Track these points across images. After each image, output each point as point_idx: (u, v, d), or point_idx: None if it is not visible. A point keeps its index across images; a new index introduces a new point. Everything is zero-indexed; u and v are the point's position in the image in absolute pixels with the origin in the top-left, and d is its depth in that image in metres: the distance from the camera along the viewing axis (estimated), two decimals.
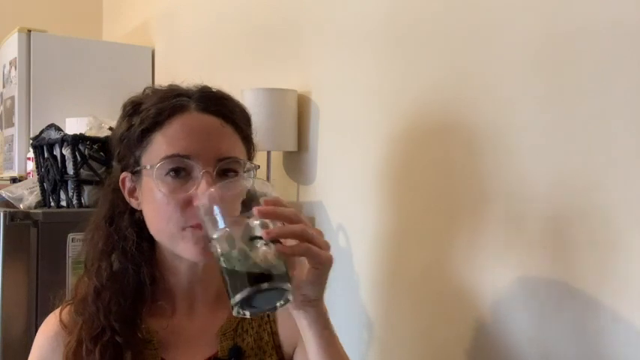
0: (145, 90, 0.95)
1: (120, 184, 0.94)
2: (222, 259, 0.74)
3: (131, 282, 0.93)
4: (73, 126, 2.07)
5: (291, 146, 1.83)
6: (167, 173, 0.87)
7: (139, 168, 0.90)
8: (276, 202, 0.77)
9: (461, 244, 1.34)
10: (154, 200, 0.89)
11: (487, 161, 1.28)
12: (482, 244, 1.29)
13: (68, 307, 0.96)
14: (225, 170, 0.89)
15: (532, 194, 1.19)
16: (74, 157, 1.60)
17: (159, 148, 0.89)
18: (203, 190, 0.84)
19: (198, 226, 0.86)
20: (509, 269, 1.23)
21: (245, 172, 0.92)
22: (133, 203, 0.94)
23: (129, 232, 0.94)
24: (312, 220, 1.81)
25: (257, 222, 0.75)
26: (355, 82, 1.65)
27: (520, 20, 1.22)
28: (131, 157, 0.92)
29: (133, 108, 0.93)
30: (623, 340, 1.05)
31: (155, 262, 0.95)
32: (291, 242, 0.75)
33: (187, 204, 0.86)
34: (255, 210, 0.74)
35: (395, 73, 1.52)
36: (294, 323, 0.97)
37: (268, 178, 1.86)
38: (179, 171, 0.87)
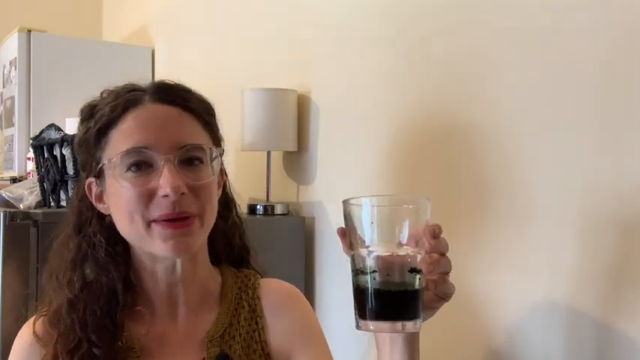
0: (102, 93, 0.93)
1: (86, 190, 0.91)
2: (373, 279, 0.74)
3: (106, 291, 0.90)
4: (73, 126, 2.06)
5: (291, 146, 1.83)
6: (128, 169, 0.85)
7: (100, 166, 0.87)
8: (439, 233, 0.77)
9: (463, 244, 1.34)
10: (118, 199, 0.86)
11: (488, 161, 1.28)
12: (484, 244, 1.29)
13: (42, 318, 0.92)
14: (190, 159, 0.86)
15: (534, 194, 1.19)
16: (74, 157, 1.60)
17: (116, 145, 0.86)
18: (166, 179, 0.82)
19: (164, 221, 0.84)
20: (512, 270, 1.23)
21: (212, 159, 0.89)
22: (102, 208, 0.91)
23: (98, 239, 0.91)
24: (311, 220, 1.81)
25: (412, 252, 0.75)
26: (355, 82, 1.65)
27: (521, 19, 1.22)
28: (92, 161, 0.89)
29: (88, 112, 0.91)
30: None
31: (131, 266, 0.92)
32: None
33: (151, 196, 0.83)
34: (426, 243, 0.75)
35: (395, 73, 1.52)
36: (285, 333, 0.94)
37: (268, 179, 1.86)
38: (140, 165, 0.85)
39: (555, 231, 1.15)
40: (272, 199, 1.86)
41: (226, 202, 1.00)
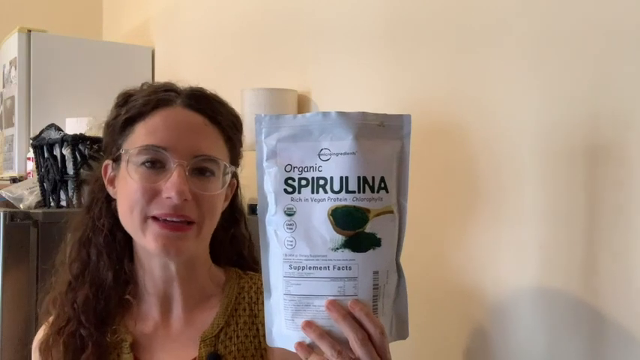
0: (142, 85, 0.95)
1: (102, 171, 0.94)
2: None
3: (102, 275, 0.92)
4: (73, 126, 2.07)
5: None
6: (142, 163, 0.86)
7: (118, 153, 0.89)
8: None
9: (459, 243, 1.34)
10: (125, 188, 0.88)
11: (486, 161, 1.28)
12: (479, 243, 1.29)
13: (49, 298, 0.96)
14: (202, 169, 0.88)
15: (529, 195, 1.19)
16: (74, 157, 1.60)
17: (138, 137, 0.88)
18: (173, 183, 0.83)
19: (161, 221, 0.85)
20: (508, 269, 1.23)
21: (224, 174, 0.90)
22: (111, 191, 0.93)
23: (100, 224, 0.93)
24: None
25: None
26: (355, 82, 1.65)
27: (519, 21, 1.22)
28: (114, 146, 0.92)
29: (123, 99, 0.93)
30: (627, 344, 1.05)
31: (131, 258, 0.94)
32: None
33: (155, 194, 0.85)
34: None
35: (394, 74, 1.52)
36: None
37: None
38: (154, 162, 0.86)
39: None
40: None
41: (233, 215, 1.01)
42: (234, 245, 1.02)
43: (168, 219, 0.85)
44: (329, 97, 1.77)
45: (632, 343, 1.03)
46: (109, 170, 0.93)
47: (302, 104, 1.85)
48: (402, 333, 0.80)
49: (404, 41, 1.50)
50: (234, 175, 0.97)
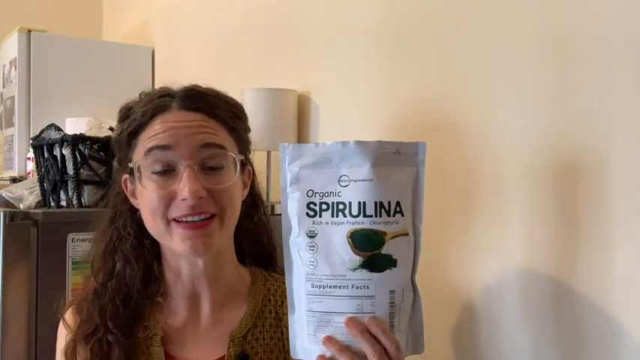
0: (140, 94, 0.97)
1: (123, 186, 0.96)
2: None
3: (129, 282, 0.94)
4: (73, 126, 2.07)
5: None
6: (153, 172, 0.89)
7: (130, 167, 0.92)
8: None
9: (456, 244, 1.34)
10: (143, 198, 0.91)
11: (485, 161, 1.29)
12: (476, 243, 1.29)
13: (72, 306, 0.98)
14: (212, 167, 0.89)
15: (526, 194, 1.19)
16: (74, 157, 1.60)
17: (143, 146, 0.90)
18: (185, 184, 0.85)
19: (183, 222, 0.87)
20: (504, 268, 1.24)
21: (234, 165, 0.92)
22: (134, 202, 0.95)
23: (127, 232, 0.96)
24: None
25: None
26: (355, 83, 1.65)
27: (518, 21, 1.22)
28: (126, 160, 0.94)
29: (124, 113, 0.96)
30: (621, 344, 1.05)
31: (160, 259, 0.96)
32: None
33: (171, 198, 0.87)
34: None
35: (394, 74, 1.52)
36: None
37: (268, 178, 1.86)
38: (165, 171, 0.89)
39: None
40: (272, 199, 1.86)
41: (253, 201, 1.03)
42: (259, 232, 1.05)
43: (189, 219, 0.87)
44: (329, 97, 1.77)
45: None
46: (129, 184, 0.95)
47: (302, 104, 1.85)
48: (417, 348, 0.85)
49: (403, 42, 1.50)
50: (249, 162, 0.99)
